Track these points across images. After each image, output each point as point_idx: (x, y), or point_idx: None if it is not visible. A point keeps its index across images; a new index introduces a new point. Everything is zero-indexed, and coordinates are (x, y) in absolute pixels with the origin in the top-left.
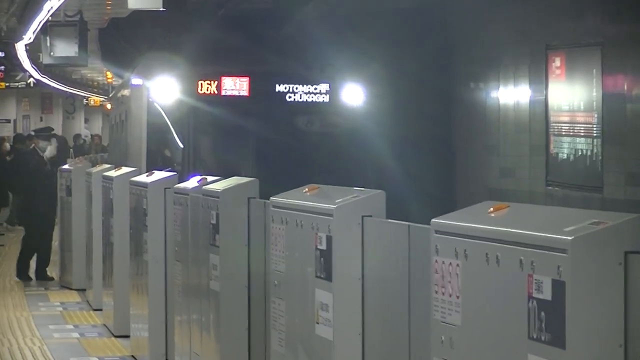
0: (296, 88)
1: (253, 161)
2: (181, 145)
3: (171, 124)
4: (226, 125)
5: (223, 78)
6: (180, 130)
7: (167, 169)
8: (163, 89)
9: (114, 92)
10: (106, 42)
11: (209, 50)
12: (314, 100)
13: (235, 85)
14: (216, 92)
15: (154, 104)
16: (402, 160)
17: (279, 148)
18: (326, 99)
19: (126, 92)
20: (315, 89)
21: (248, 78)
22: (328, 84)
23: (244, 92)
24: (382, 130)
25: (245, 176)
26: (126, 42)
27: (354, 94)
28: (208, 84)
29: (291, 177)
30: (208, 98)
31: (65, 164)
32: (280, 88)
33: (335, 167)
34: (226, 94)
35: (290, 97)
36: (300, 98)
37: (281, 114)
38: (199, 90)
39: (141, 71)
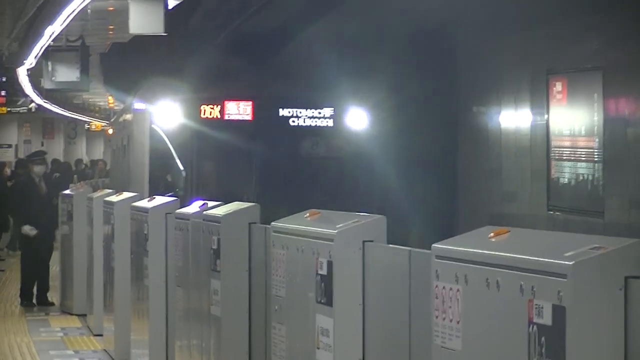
0: (300, 112)
1: (256, 185)
2: (183, 170)
3: (173, 148)
4: (229, 149)
5: (226, 102)
6: (182, 155)
7: (169, 194)
8: (166, 114)
9: (115, 116)
10: (109, 66)
11: (212, 74)
12: (317, 125)
13: (239, 110)
14: (219, 116)
15: (155, 129)
16: (407, 183)
17: (283, 172)
18: (330, 123)
19: (128, 116)
20: (320, 113)
21: (252, 102)
22: (332, 109)
23: (247, 116)
24: (387, 153)
25: (248, 201)
26: (129, 65)
27: (358, 118)
28: (211, 108)
29: (295, 201)
30: (211, 122)
31: (68, 189)
32: (283, 112)
33: (340, 191)
34: (229, 118)
35: (294, 121)
36: (304, 122)
37: (285, 138)
38: (202, 115)
39: (143, 95)
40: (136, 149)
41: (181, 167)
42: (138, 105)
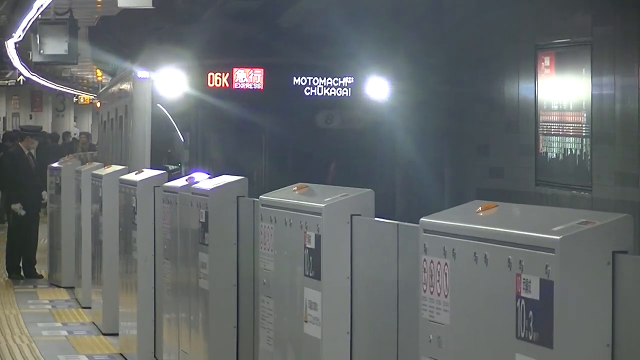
0: (315, 81)
1: (266, 160)
2: (183, 142)
3: (177, 120)
4: (238, 121)
5: (235, 70)
6: (186, 127)
7: (172, 169)
8: (169, 82)
9: (104, 88)
10: (103, 34)
11: (220, 40)
12: (334, 95)
13: (249, 78)
14: (227, 85)
15: (157, 99)
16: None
17: (294, 146)
18: (348, 93)
19: (125, 86)
20: (337, 82)
21: (262, 70)
22: (352, 77)
23: (258, 86)
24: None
25: (258, 176)
26: (128, 34)
27: (379, 88)
28: (218, 76)
29: (307, 177)
30: (218, 91)
31: (55, 161)
32: (297, 81)
33: (356, 166)
34: (238, 87)
35: (308, 90)
36: (320, 92)
37: (299, 109)
38: (209, 84)
39: (144, 63)
40: (136, 121)
41: (182, 140)
42: (141, 73)
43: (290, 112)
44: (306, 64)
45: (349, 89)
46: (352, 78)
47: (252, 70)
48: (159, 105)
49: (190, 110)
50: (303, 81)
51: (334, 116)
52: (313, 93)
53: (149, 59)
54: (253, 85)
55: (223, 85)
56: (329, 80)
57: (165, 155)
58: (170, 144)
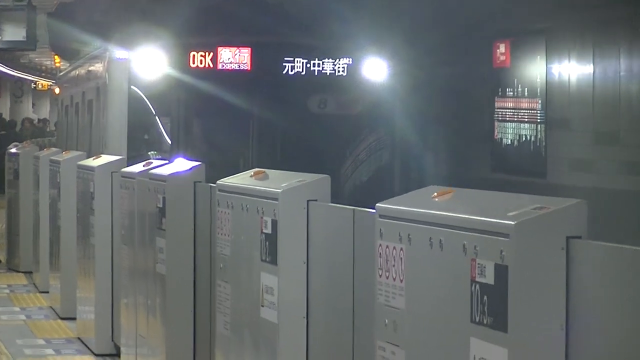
0: (307, 62)
1: (254, 147)
2: (163, 130)
3: (156, 104)
4: (224, 104)
5: (220, 49)
6: (166, 111)
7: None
8: (147, 63)
9: (65, 71)
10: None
11: (204, 17)
12: (329, 76)
13: (235, 58)
14: (212, 65)
15: (134, 81)
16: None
17: (286, 132)
18: (343, 74)
19: (96, 67)
20: (333, 63)
21: (249, 49)
22: (350, 58)
23: (245, 66)
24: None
25: (245, 164)
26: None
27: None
28: (202, 56)
29: (300, 165)
30: (202, 72)
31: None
32: (288, 61)
33: (348, 153)
34: (223, 67)
35: (299, 71)
36: (313, 73)
37: (289, 92)
38: (191, 64)
39: (120, 43)
40: (111, 104)
41: (161, 127)
42: (119, 53)
43: (280, 96)
44: (298, 44)
45: (346, 70)
46: (350, 59)
47: (238, 50)
48: (133, 87)
49: (170, 93)
50: (295, 62)
51: (328, 100)
52: (305, 74)
53: (125, 38)
54: (239, 66)
55: (207, 65)
56: (324, 62)
57: (142, 141)
58: (147, 130)
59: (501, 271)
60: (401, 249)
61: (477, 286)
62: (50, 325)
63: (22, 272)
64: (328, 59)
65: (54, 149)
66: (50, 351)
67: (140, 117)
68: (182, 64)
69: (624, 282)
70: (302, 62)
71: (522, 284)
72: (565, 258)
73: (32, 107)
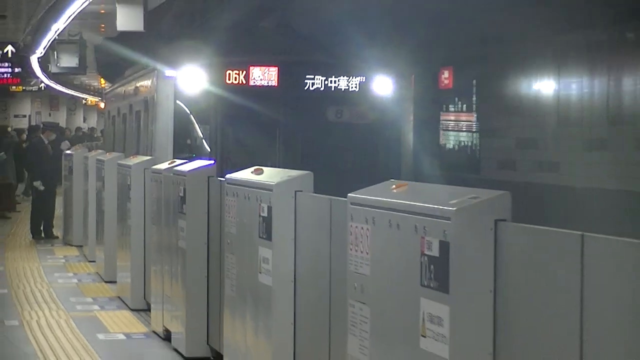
0: (326, 79)
1: (280, 151)
2: (202, 137)
3: (197, 114)
4: (254, 115)
5: (251, 68)
6: (205, 120)
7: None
8: (190, 80)
9: (111, 88)
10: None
11: (238, 40)
12: (344, 91)
13: (264, 76)
14: (244, 82)
15: (179, 95)
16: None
17: (307, 139)
18: (356, 89)
19: (145, 84)
20: (347, 80)
21: (277, 68)
22: (363, 77)
23: (273, 83)
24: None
25: (272, 165)
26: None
27: (384, 86)
28: (236, 74)
29: (318, 165)
30: (236, 88)
31: (69, 149)
32: (310, 79)
33: (360, 157)
34: (254, 84)
35: (319, 88)
36: (331, 89)
37: (311, 104)
38: (227, 81)
39: (168, 62)
40: (159, 115)
41: (200, 134)
42: (168, 72)
43: (302, 107)
44: (318, 63)
45: (359, 86)
46: (364, 77)
47: (267, 69)
48: (177, 102)
49: (209, 105)
50: (315, 79)
51: (344, 111)
52: (324, 89)
53: (172, 60)
54: (268, 82)
55: (240, 82)
56: (339, 79)
57: (185, 146)
58: (189, 136)
59: (444, 246)
60: (367, 229)
61: (426, 258)
62: (96, 287)
63: (75, 245)
64: (343, 76)
65: (100, 151)
66: (96, 307)
67: (184, 125)
68: (219, 80)
69: (538, 254)
70: (321, 79)
71: (460, 257)
72: (494, 236)
73: (83, 118)
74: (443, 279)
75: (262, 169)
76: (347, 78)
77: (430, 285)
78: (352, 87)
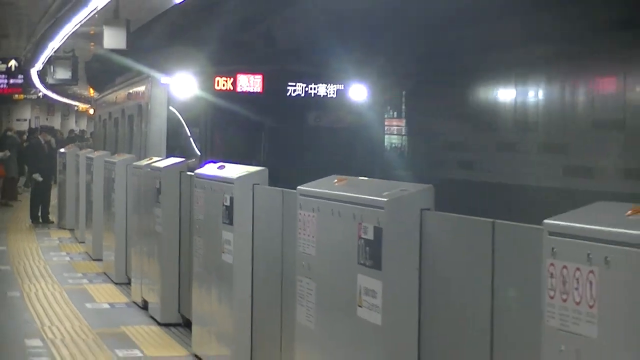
0: (306, 86)
1: (265, 152)
2: (190, 136)
3: (188, 118)
4: (240, 118)
5: (238, 75)
6: (196, 123)
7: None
8: (182, 85)
9: (101, 95)
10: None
11: (226, 50)
12: (322, 97)
13: (250, 83)
14: (232, 88)
15: (172, 100)
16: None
17: (289, 141)
18: (334, 96)
19: (139, 89)
20: (326, 87)
21: (261, 76)
22: (342, 85)
23: (258, 89)
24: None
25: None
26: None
27: (360, 93)
28: (224, 80)
29: (300, 164)
30: (224, 94)
31: (62, 148)
32: (291, 86)
33: (342, 156)
34: (241, 90)
35: (300, 94)
36: (310, 95)
37: (292, 109)
38: (216, 87)
39: (161, 68)
40: (153, 119)
41: (189, 135)
42: (162, 79)
43: (284, 112)
44: (299, 71)
45: (336, 93)
46: (342, 85)
47: (253, 76)
48: (170, 107)
49: (199, 109)
50: (296, 86)
51: (322, 116)
52: (304, 96)
53: (165, 68)
54: (254, 89)
55: (228, 88)
56: (319, 86)
57: (176, 147)
58: (181, 138)
59: (378, 231)
60: (314, 216)
61: (362, 241)
62: (85, 264)
63: (68, 229)
64: (322, 84)
65: (89, 150)
66: (85, 281)
67: (175, 128)
68: (209, 87)
69: (456, 238)
70: (302, 86)
71: (391, 240)
72: (420, 223)
73: (75, 122)
74: (377, 258)
75: (225, 165)
76: (326, 85)
77: (366, 263)
78: (330, 94)
